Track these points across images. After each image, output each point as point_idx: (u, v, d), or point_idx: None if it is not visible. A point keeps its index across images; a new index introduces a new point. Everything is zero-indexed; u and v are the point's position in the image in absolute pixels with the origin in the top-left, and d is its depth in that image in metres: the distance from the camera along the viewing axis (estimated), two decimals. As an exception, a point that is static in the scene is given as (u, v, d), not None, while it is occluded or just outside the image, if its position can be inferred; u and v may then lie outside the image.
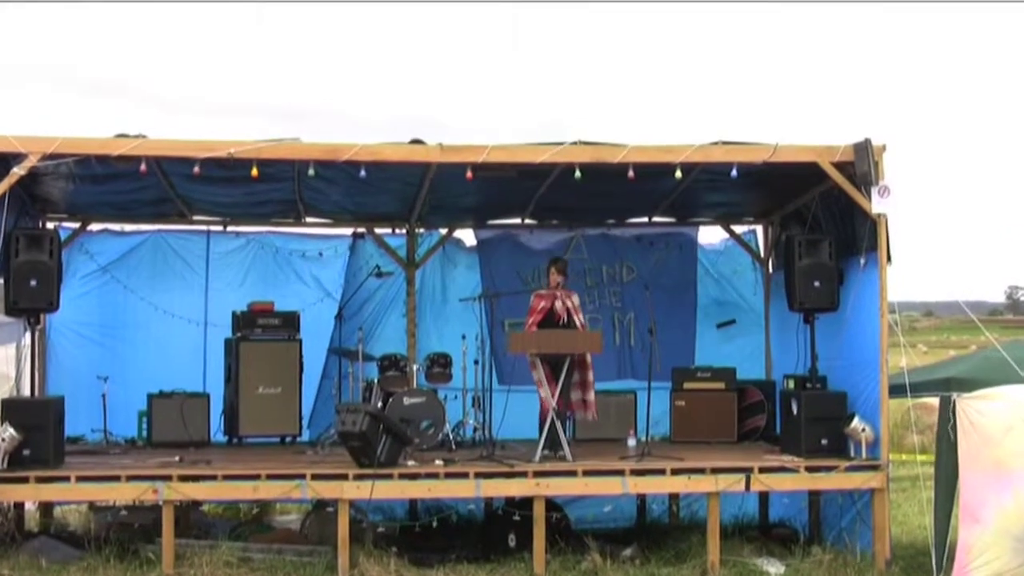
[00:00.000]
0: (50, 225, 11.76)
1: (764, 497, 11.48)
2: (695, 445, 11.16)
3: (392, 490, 9.47)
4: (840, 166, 9.67)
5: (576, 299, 10.69)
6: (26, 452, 9.27)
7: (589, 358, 10.46)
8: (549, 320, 10.53)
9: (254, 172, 9.32)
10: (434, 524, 10.43)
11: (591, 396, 10.54)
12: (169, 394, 11.31)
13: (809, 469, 9.67)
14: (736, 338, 12.86)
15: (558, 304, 10.54)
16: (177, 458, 10.00)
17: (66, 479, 9.24)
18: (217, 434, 11.54)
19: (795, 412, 10.14)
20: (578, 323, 10.53)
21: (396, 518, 11.57)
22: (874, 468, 9.56)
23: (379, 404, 11.01)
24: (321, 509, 10.31)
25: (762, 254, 12.84)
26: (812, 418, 9.94)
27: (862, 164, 9.42)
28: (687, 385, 11.78)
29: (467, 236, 12.98)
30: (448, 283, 12.89)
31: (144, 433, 11.38)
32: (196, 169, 9.29)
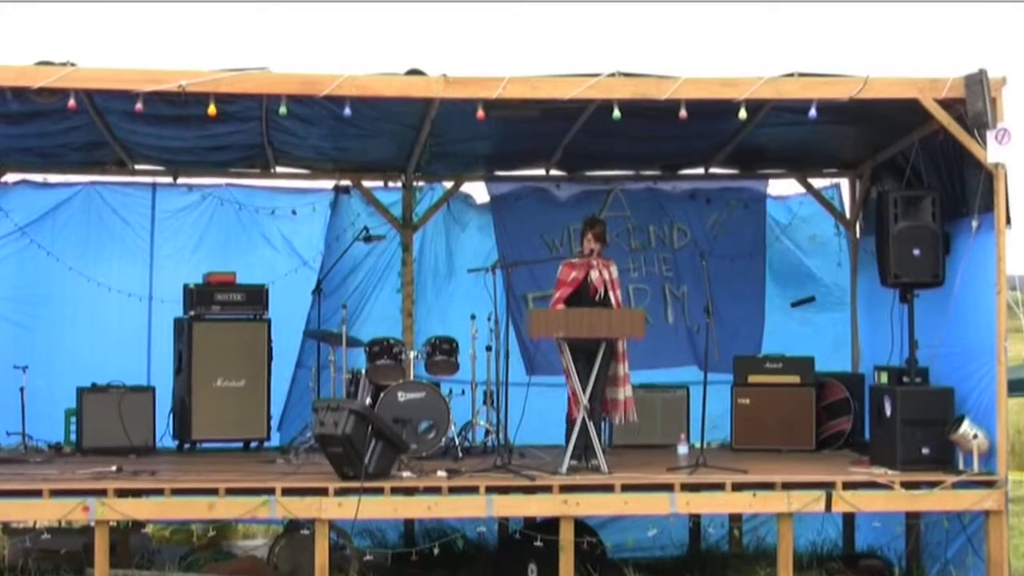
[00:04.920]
0: (-44, 176, 11.79)
1: (849, 520, 11.48)
2: (762, 454, 11.15)
3: (383, 508, 9.47)
4: (947, 104, 9.59)
5: (615, 271, 10.62)
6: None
7: (623, 346, 10.40)
8: (582, 295, 10.46)
9: (211, 110, 9.28)
10: (435, 551, 10.44)
11: (623, 394, 10.48)
12: (105, 388, 11.33)
13: (906, 485, 9.63)
14: (815, 320, 12.85)
15: (593, 275, 10.47)
16: (114, 468, 10.01)
17: (-25, 494, 9.26)
18: (165, 438, 11.58)
19: (888, 413, 10.11)
20: (613, 301, 10.46)
21: (388, 543, 11.60)
22: (988, 485, 9.51)
23: (367, 400, 11.01)
24: (294, 532, 10.33)
25: (848, 215, 12.79)
26: (910, 421, 9.91)
27: (975, 101, 9.34)
28: (753, 378, 11.74)
29: (478, 191, 12.99)
30: (454, 249, 12.91)
31: (73, 437, 11.41)
32: (139, 106, 9.25)
